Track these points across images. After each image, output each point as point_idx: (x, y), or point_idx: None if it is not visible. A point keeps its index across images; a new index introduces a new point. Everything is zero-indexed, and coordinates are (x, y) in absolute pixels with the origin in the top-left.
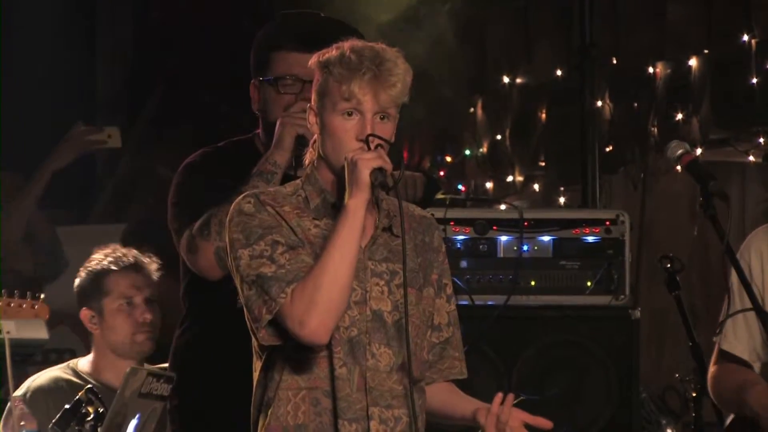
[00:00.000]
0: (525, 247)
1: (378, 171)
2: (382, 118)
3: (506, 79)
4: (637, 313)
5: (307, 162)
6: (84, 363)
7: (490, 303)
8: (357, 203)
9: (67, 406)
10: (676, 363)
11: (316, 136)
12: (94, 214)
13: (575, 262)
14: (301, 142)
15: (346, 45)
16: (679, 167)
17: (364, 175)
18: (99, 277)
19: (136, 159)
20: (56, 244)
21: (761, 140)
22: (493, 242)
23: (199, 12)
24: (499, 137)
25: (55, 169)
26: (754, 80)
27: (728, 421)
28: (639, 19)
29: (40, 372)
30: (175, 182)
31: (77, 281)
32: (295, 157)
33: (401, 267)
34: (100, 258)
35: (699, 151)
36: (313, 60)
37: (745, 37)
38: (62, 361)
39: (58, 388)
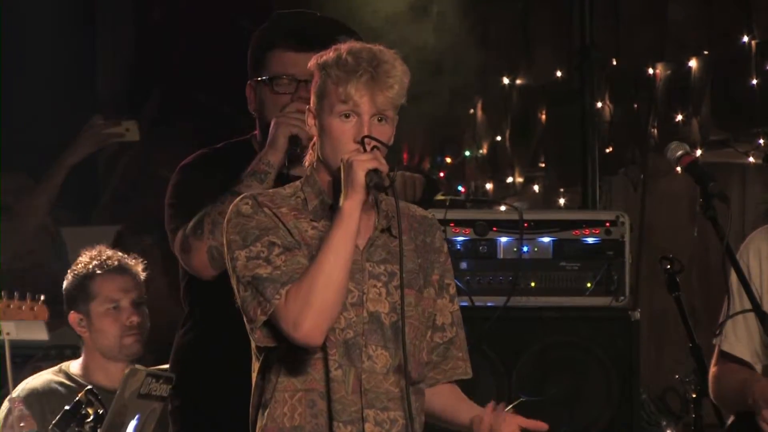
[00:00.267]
0: (525, 249)
1: (373, 172)
2: (379, 120)
3: (506, 80)
4: (637, 314)
5: (307, 164)
6: (75, 366)
7: (490, 304)
8: (352, 205)
9: (66, 408)
10: (676, 364)
11: (315, 138)
12: (94, 214)
13: (575, 263)
14: (294, 143)
15: (344, 47)
16: (679, 168)
17: (359, 176)
18: (85, 280)
19: (136, 160)
20: (61, 246)
21: (761, 141)
22: (493, 243)
23: (198, 13)
24: (498, 138)
25: (72, 163)
26: (754, 81)
27: (729, 422)
28: (639, 20)
29: (32, 376)
30: (171, 183)
31: (65, 284)
32: (289, 156)
33: (398, 268)
34: (86, 261)
35: (699, 152)
36: (312, 62)
37: (745, 38)
38: (63, 358)
39: (51, 391)
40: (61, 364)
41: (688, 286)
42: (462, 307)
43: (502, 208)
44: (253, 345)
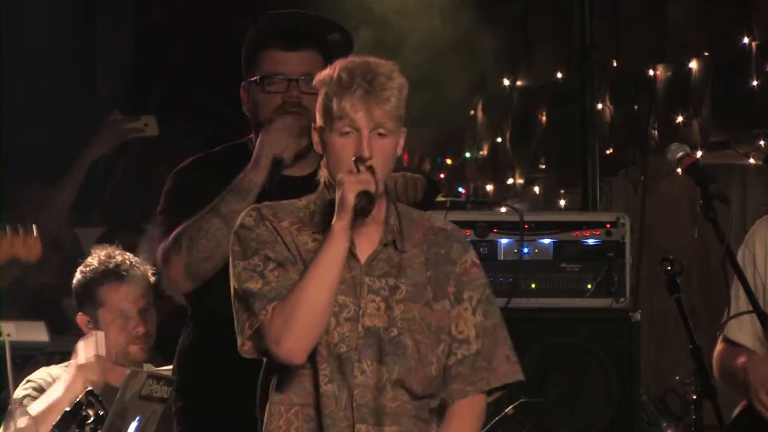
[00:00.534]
0: (525, 250)
1: (363, 195)
2: (380, 135)
3: (506, 81)
4: (638, 316)
5: (322, 177)
6: None
7: None
8: (342, 226)
9: (67, 409)
10: (676, 365)
11: (316, 148)
12: (95, 215)
13: (575, 264)
14: (278, 164)
15: (340, 63)
16: (679, 170)
17: (349, 198)
18: (93, 285)
19: (136, 160)
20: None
21: (761, 143)
22: (494, 245)
23: (198, 13)
24: (499, 139)
25: (93, 158)
26: (755, 83)
27: (736, 412)
28: (639, 21)
29: (40, 369)
30: (165, 189)
31: (74, 282)
32: (270, 176)
33: (404, 282)
34: (96, 265)
35: (699, 153)
36: (315, 80)
37: (746, 40)
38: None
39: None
40: (70, 362)
41: (689, 288)
42: None
43: (503, 209)
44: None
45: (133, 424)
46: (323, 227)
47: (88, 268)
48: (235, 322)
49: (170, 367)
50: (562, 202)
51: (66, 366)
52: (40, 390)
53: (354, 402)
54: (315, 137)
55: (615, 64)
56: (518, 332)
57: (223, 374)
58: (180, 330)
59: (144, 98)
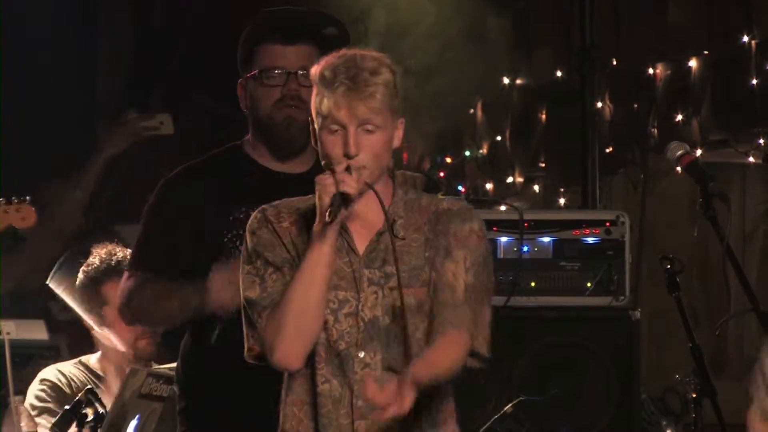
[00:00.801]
0: (525, 248)
1: (337, 196)
2: (368, 131)
3: (506, 80)
4: (638, 314)
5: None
6: (94, 359)
7: None
8: (320, 228)
9: (66, 407)
10: (676, 364)
11: (313, 144)
12: (95, 215)
13: (575, 263)
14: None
15: (327, 59)
16: (679, 168)
17: (324, 201)
18: (96, 283)
19: (136, 160)
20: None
21: (761, 141)
22: (493, 243)
23: (199, 13)
24: (499, 138)
25: (108, 157)
26: (754, 81)
27: None
28: (639, 20)
29: (51, 365)
30: (147, 208)
31: (77, 282)
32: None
33: (401, 268)
34: (96, 263)
35: (699, 152)
36: (310, 74)
37: (745, 38)
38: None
39: (74, 378)
40: (80, 357)
41: (689, 286)
42: None
43: (503, 207)
44: None
45: (133, 423)
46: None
47: (90, 268)
48: (244, 328)
49: (174, 364)
50: (562, 201)
51: (77, 362)
52: (56, 390)
53: (354, 398)
54: (313, 136)
55: (615, 63)
56: (518, 331)
57: (226, 374)
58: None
59: (144, 98)
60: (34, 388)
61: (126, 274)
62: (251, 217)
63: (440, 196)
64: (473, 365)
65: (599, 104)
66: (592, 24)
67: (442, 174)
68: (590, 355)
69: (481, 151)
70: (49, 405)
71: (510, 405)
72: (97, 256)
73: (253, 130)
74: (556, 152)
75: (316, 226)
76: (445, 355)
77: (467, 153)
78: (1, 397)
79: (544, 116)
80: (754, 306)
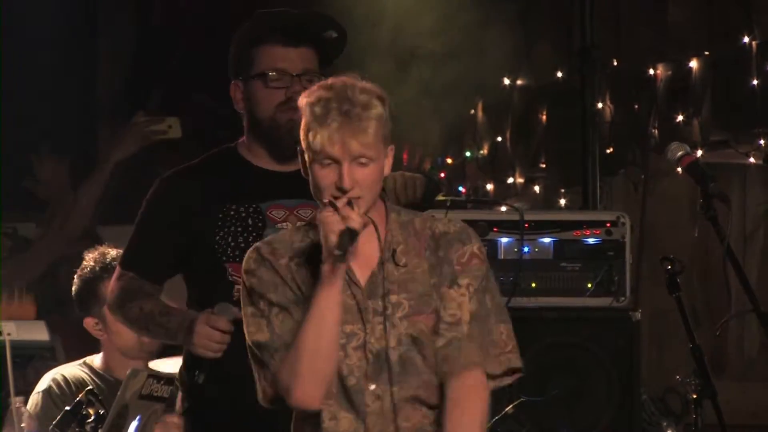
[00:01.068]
0: (525, 249)
1: (345, 233)
2: (361, 164)
3: (507, 81)
4: (638, 315)
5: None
6: (98, 360)
7: None
8: (329, 269)
9: (67, 408)
10: (676, 364)
11: (303, 173)
12: (95, 214)
13: (576, 263)
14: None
15: (317, 90)
16: (679, 169)
17: (331, 240)
18: (92, 284)
19: (136, 159)
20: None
21: (762, 142)
22: (494, 244)
23: (199, 13)
24: (499, 139)
25: (118, 160)
26: (755, 82)
27: None
28: (640, 20)
29: (56, 368)
30: (142, 207)
31: (74, 289)
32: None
33: (405, 297)
34: (91, 265)
35: (699, 152)
36: (299, 100)
37: (746, 39)
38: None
39: (79, 381)
40: (85, 359)
41: (689, 287)
42: None
43: (503, 208)
44: None
45: (134, 424)
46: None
47: (85, 271)
48: (254, 372)
49: (175, 359)
50: (563, 202)
51: (82, 363)
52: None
53: (369, 430)
54: (300, 159)
55: (615, 64)
56: (518, 331)
57: (229, 375)
58: None
59: (144, 99)
60: (36, 398)
61: (117, 271)
62: (246, 257)
63: (440, 197)
64: (506, 383)
65: (600, 105)
66: (593, 24)
67: (442, 174)
68: (591, 356)
69: (481, 151)
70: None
71: (511, 406)
72: (91, 259)
73: (250, 131)
74: (557, 153)
75: (326, 266)
76: (476, 411)
77: (468, 153)
78: (2, 399)
79: (544, 117)
80: (754, 306)
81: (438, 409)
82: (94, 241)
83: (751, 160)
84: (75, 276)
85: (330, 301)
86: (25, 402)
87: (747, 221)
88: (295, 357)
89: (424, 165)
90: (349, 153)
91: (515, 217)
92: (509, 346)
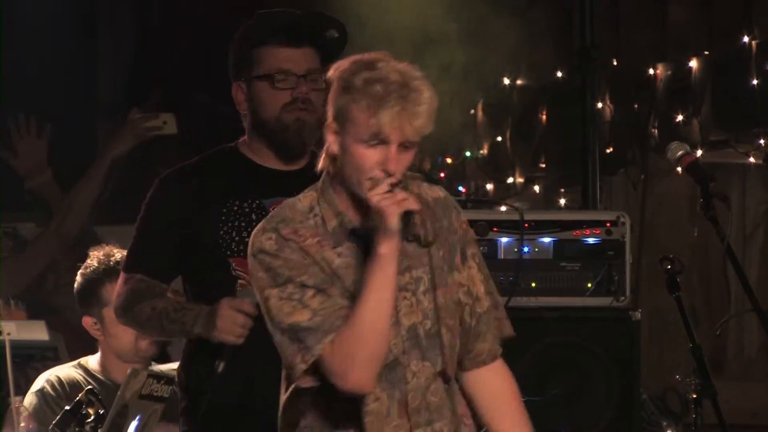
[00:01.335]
0: (525, 249)
1: (405, 216)
2: (405, 147)
3: (507, 81)
4: (638, 315)
5: (320, 167)
6: (93, 361)
7: None
8: (389, 251)
9: (67, 408)
10: (676, 364)
11: (329, 148)
12: (94, 214)
13: (576, 263)
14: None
15: (363, 66)
16: (679, 168)
17: (392, 223)
18: (94, 285)
19: (135, 158)
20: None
21: (762, 141)
22: (494, 243)
23: (199, 13)
24: (499, 139)
25: (114, 157)
26: (755, 81)
27: None
28: (639, 20)
29: (51, 369)
30: (143, 208)
31: (75, 286)
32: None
33: (423, 271)
34: (95, 265)
35: (699, 152)
36: (331, 73)
37: (746, 39)
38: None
39: (74, 382)
40: (80, 360)
41: (689, 287)
42: None
43: (503, 208)
44: (284, 372)
45: (134, 424)
46: (342, 238)
47: (88, 270)
48: (281, 355)
49: (174, 365)
50: (563, 201)
51: (76, 365)
52: (54, 399)
53: (408, 408)
54: (329, 136)
55: (615, 63)
56: (518, 331)
57: (227, 375)
58: None
59: (144, 98)
60: (30, 398)
61: (123, 276)
62: (262, 239)
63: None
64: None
65: (599, 104)
66: (593, 24)
67: (442, 174)
68: (591, 356)
69: (481, 151)
70: (48, 413)
71: None
72: (95, 258)
73: (255, 132)
74: (557, 152)
75: (383, 247)
76: (520, 403)
77: (468, 153)
78: (1, 399)
79: (544, 116)
80: (754, 306)
81: (449, 384)
82: (90, 244)
83: (751, 159)
84: (78, 273)
85: (387, 282)
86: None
87: (747, 221)
88: (351, 340)
89: (424, 165)
90: (404, 136)
91: (515, 216)
92: (504, 312)
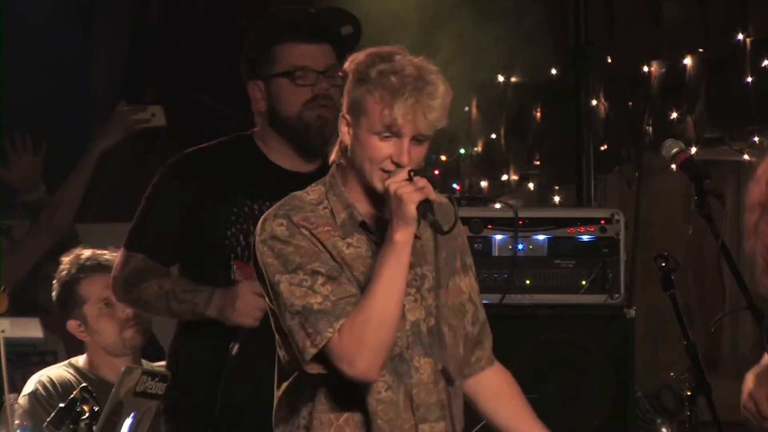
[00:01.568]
0: (520, 246)
1: (424, 203)
2: (418, 140)
3: (501, 78)
4: (632, 312)
5: (332, 159)
6: (82, 360)
7: (485, 302)
8: (405, 238)
9: (61, 405)
10: (671, 361)
11: (343, 139)
12: (88, 212)
13: (570, 260)
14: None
15: (379, 59)
16: (674, 166)
17: (411, 210)
18: (71, 286)
19: (128, 157)
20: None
21: (756, 139)
22: (488, 241)
23: (199, 13)
24: (494, 136)
25: (102, 150)
26: (749, 79)
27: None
28: (634, 18)
29: (42, 370)
30: (150, 189)
31: (54, 293)
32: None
33: (428, 269)
34: (67, 268)
35: (694, 149)
36: (347, 65)
37: (740, 36)
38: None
39: (65, 382)
40: (70, 359)
41: (683, 284)
42: None
43: (497, 205)
44: (277, 363)
45: (128, 421)
46: (351, 230)
47: (62, 274)
48: (291, 339)
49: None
50: (557, 199)
51: (67, 365)
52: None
53: (414, 402)
54: (343, 128)
55: (610, 61)
56: (513, 329)
57: (211, 376)
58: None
59: (138, 98)
60: (22, 400)
61: (123, 253)
62: (273, 224)
63: None
64: None
65: (594, 102)
66: (587, 22)
67: (437, 172)
68: (585, 353)
69: (476, 148)
70: (41, 415)
71: None
72: (66, 262)
73: (273, 129)
74: (551, 150)
75: (398, 235)
76: (523, 397)
77: (462, 151)
78: None
79: (539, 114)
80: (748, 303)
81: (453, 385)
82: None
83: (746, 157)
84: (53, 281)
85: (400, 270)
86: None
87: (741, 218)
88: (362, 327)
89: None
90: (417, 130)
91: (509, 214)
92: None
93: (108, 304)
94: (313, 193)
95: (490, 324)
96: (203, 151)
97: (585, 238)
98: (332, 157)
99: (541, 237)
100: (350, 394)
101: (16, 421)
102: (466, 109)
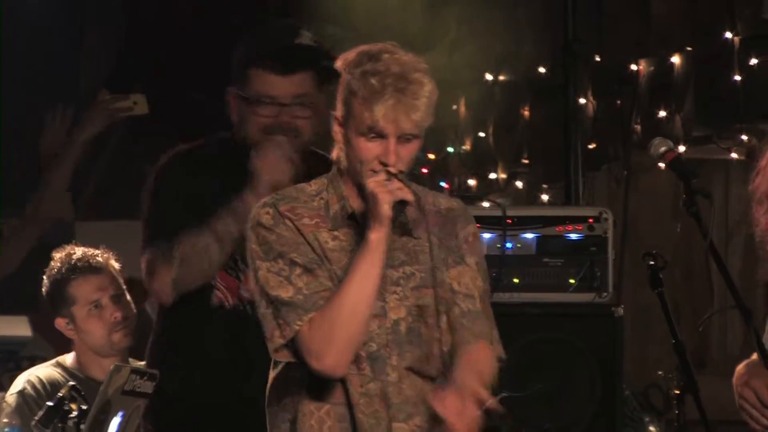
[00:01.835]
0: (508, 245)
1: (399, 204)
2: (406, 140)
3: (489, 76)
4: (621, 311)
5: (333, 156)
6: (70, 359)
7: None
8: (379, 237)
9: (50, 404)
10: (659, 360)
11: (335, 138)
12: (79, 210)
13: (558, 259)
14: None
15: (366, 57)
16: (662, 164)
17: (385, 209)
18: (61, 285)
19: (117, 154)
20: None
21: (744, 137)
22: None
23: (188, 9)
24: (482, 134)
25: (85, 140)
26: (737, 77)
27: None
28: (622, 16)
29: (30, 369)
30: (146, 190)
31: (43, 289)
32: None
33: (418, 269)
34: (58, 266)
35: (682, 148)
36: (338, 64)
37: (729, 35)
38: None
39: (53, 381)
40: (57, 358)
41: (672, 282)
42: None
43: (486, 204)
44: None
45: (117, 419)
46: (341, 222)
47: (52, 272)
48: (262, 325)
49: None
50: (545, 197)
51: (55, 363)
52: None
53: (388, 400)
54: (335, 128)
55: (598, 59)
56: (501, 327)
57: (191, 374)
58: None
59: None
60: (10, 399)
61: (148, 252)
62: (260, 211)
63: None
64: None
65: (582, 100)
66: (575, 19)
67: (425, 170)
68: (573, 352)
69: (464, 147)
70: (29, 414)
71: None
72: (57, 259)
73: (239, 138)
74: (539, 148)
75: (373, 234)
76: (488, 367)
77: (450, 149)
78: None
79: (527, 112)
80: (737, 302)
81: (435, 381)
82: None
83: (734, 155)
84: (44, 276)
85: (374, 268)
86: None
87: (729, 217)
88: (331, 323)
89: None
90: (400, 130)
91: (498, 212)
92: (497, 335)
93: (97, 306)
94: (314, 184)
95: None
96: (191, 153)
97: (573, 236)
98: (333, 154)
99: (529, 235)
100: (334, 386)
101: (4, 420)
102: (454, 107)
